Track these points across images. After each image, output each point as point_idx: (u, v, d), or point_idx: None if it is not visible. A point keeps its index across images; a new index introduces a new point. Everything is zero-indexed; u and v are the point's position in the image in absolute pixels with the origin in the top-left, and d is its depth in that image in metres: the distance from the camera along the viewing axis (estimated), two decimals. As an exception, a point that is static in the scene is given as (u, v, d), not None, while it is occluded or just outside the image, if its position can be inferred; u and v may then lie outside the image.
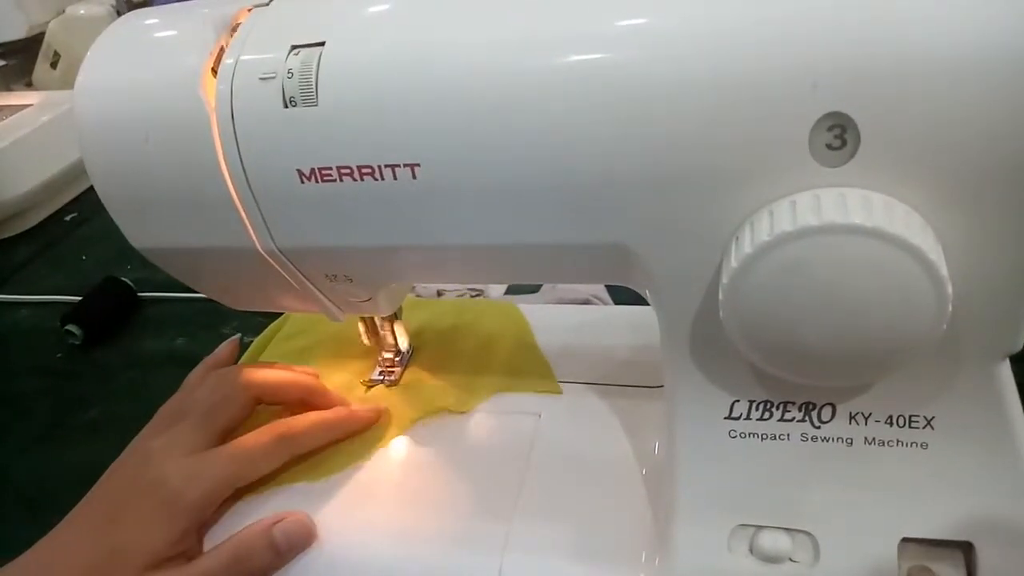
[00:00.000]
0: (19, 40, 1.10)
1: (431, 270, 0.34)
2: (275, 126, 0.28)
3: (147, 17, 0.32)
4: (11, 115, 0.83)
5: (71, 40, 1.08)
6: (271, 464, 0.38)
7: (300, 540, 0.35)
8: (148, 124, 0.29)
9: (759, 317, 0.25)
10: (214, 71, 0.29)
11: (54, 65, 1.08)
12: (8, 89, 1.12)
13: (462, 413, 0.42)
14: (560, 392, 0.42)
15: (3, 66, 1.14)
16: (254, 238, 0.31)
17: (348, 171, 0.28)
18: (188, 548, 0.35)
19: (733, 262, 0.25)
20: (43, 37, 1.08)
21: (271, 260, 0.32)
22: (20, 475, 0.51)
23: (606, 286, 0.59)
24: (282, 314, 0.51)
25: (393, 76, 0.27)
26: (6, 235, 0.81)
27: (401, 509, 0.37)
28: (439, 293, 0.61)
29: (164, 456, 0.36)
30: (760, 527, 0.31)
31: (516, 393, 0.42)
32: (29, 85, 1.13)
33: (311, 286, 0.34)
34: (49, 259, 0.77)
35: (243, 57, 0.28)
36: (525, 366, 0.44)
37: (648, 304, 0.31)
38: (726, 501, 0.31)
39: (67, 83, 1.05)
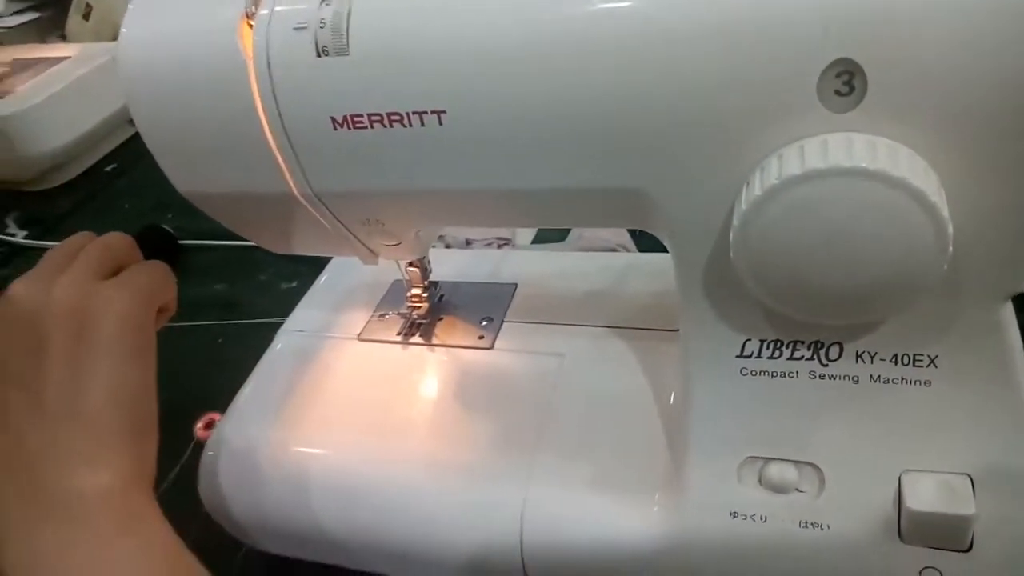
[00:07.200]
0: (53, -8, 1.12)
1: (458, 213, 0.35)
2: (309, 75, 0.29)
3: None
4: (49, 68, 0.84)
5: (103, -9, 1.09)
6: None
7: None
8: (189, 74, 0.31)
9: (768, 257, 0.26)
10: (249, 23, 0.30)
11: (86, 17, 1.09)
12: (42, 41, 1.13)
13: (487, 349, 0.44)
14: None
15: (37, 19, 1.16)
16: (291, 183, 0.32)
17: (378, 118, 0.29)
18: None
19: (744, 204, 0.26)
20: (75, -11, 1.10)
21: (307, 204, 0.33)
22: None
23: (631, 235, 0.60)
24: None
25: (419, 26, 0.28)
26: (48, 186, 0.83)
27: (429, 443, 0.39)
28: (468, 242, 0.63)
29: None
30: (769, 459, 0.32)
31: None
32: (62, 37, 1.14)
33: (345, 230, 0.35)
34: (91, 209, 0.79)
35: (277, 8, 0.29)
36: None
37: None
38: (737, 435, 0.33)
39: (100, 34, 1.06)
